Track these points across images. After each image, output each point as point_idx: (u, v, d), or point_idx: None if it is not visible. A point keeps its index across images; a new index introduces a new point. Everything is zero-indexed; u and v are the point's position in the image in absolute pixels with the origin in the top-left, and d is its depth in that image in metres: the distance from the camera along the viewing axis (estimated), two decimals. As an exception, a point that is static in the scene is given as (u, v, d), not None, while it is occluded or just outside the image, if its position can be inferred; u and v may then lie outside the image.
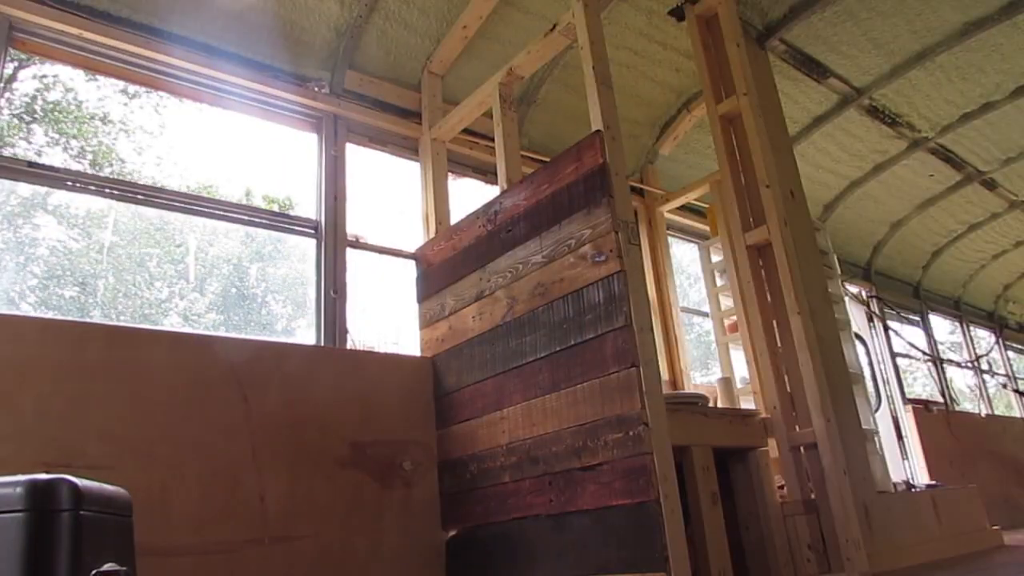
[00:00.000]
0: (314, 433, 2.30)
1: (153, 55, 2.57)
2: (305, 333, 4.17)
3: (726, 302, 3.90)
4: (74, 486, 1.15)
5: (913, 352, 6.02)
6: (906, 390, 5.51)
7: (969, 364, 6.78)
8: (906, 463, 5.04)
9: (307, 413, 2.31)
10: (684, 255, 4.64)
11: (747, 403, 3.50)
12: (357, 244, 2.84)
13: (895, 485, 3.66)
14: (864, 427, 3.18)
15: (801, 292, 2.80)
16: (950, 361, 6.51)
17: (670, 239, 4.28)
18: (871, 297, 5.76)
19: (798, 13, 3.57)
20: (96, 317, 3.65)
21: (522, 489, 2.08)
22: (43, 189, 2.38)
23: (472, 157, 3.38)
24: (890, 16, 3.74)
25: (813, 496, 2.66)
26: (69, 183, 2.34)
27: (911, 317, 6.24)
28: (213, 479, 2.12)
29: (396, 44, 3.09)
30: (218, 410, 2.22)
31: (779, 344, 2.87)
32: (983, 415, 6.29)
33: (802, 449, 2.73)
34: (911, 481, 4.55)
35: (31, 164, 2.26)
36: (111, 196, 2.42)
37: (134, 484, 1.61)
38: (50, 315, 3.17)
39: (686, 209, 4.40)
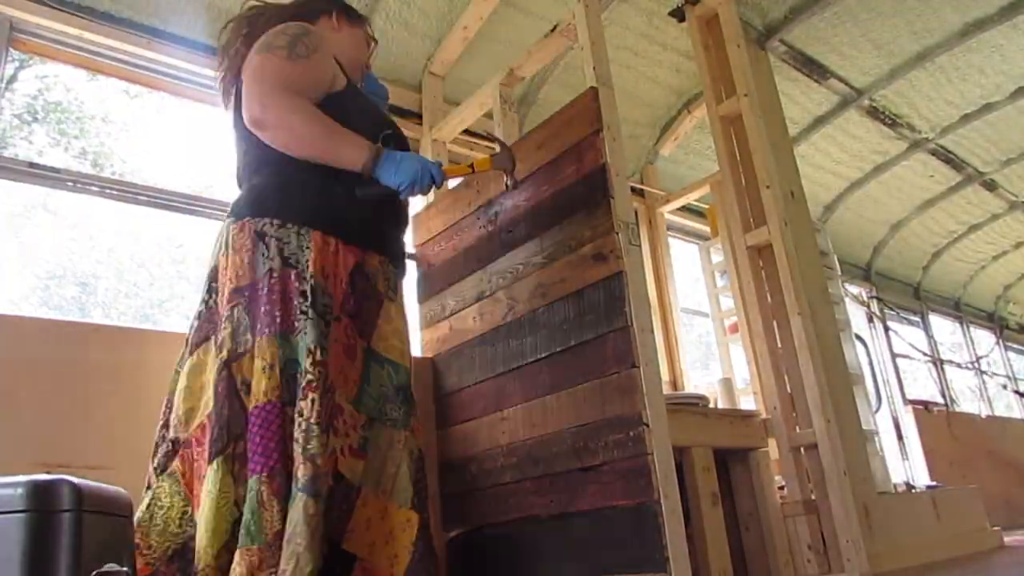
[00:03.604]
0: (314, 433, 2.29)
1: (155, 56, 2.57)
2: (305, 333, 4.15)
3: (726, 303, 3.91)
4: (74, 486, 1.15)
5: (913, 353, 6.02)
6: (906, 391, 5.52)
7: (969, 365, 6.78)
8: (906, 464, 5.05)
9: (307, 413, 2.30)
10: (684, 255, 4.64)
11: (747, 404, 3.50)
12: (357, 244, 2.83)
13: (895, 486, 3.66)
14: (864, 428, 3.18)
15: (801, 293, 2.80)
16: (950, 362, 6.50)
17: (670, 240, 4.28)
18: (871, 298, 5.76)
19: (798, 14, 3.57)
20: (96, 317, 3.65)
21: (522, 490, 2.08)
22: (44, 189, 2.38)
23: (472, 158, 3.38)
24: (890, 17, 3.74)
25: (813, 497, 2.66)
26: (70, 184, 2.34)
27: (911, 318, 6.24)
28: (213, 479, 2.11)
29: (397, 45, 3.09)
30: (218, 410, 2.22)
31: (779, 345, 2.87)
32: (983, 416, 6.29)
33: (802, 450, 2.73)
34: (911, 482, 4.55)
35: (32, 165, 2.26)
36: (112, 196, 2.42)
37: (134, 484, 1.61)
38: (50, 315, 3.17)
39: (686, 210, 4.39)
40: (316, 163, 1.57)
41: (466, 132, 3.16)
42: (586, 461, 1.90)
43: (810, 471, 2.69)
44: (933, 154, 4.92)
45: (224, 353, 1.47)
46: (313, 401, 1.40)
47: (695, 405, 2.73)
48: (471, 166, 1.87)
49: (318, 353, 1.43)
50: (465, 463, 2.31)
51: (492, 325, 2.28)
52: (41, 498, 1.12)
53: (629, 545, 1.76)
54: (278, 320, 1.46)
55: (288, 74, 1.56)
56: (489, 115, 2.81)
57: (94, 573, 1.14)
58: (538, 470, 2.04)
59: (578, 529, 1.90)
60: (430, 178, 1.60)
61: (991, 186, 5.46)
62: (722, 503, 2.45)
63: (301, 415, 1.39)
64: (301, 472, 1.35)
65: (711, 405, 3.12)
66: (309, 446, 1.36)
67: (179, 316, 3.89)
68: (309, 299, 1.48)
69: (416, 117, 3.16)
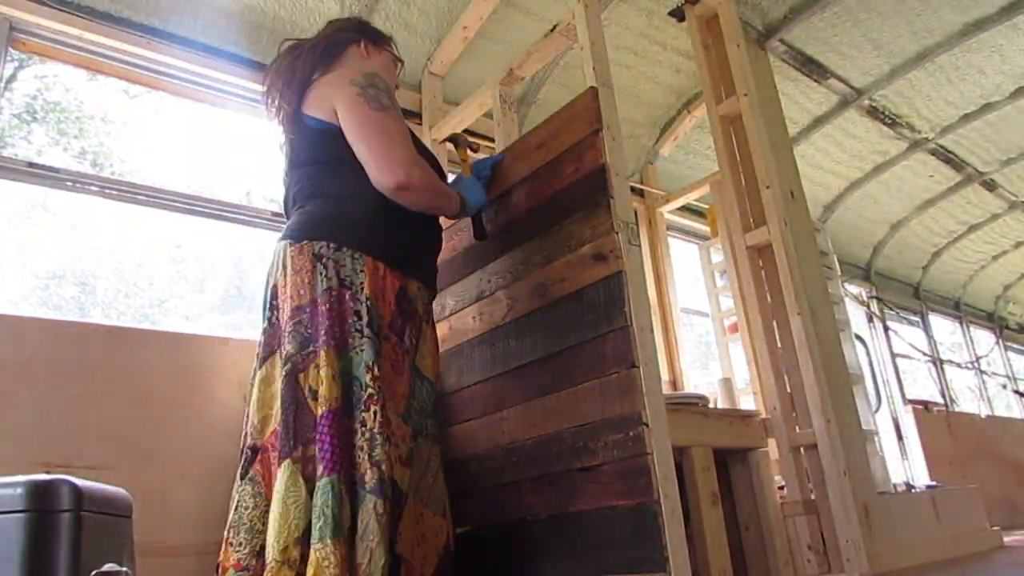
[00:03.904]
0: (314, 433, 2.29)
1: (154, 55, 2.57)
2: (305, 333, 4.14)
3: (726, 303, 3.90)
4: (74, 486, 1.15)
5: (913, 353, 6.02)
6: (906, 391, 5.52)
7: (969, 365, 6.78)
8: (906, 464, 5.05)
9: (307, 413, 2.30)
10: (684, 255, 4.64)
11: (747, 404, 3.50)
12: (357, 244, 2.84)
13: (895, 486, 3.66)
14: (864, 428, 3.18)
15: (801, 293, 2.80)
16: (950, 362, 6.50)
17: (670, 239, 4.28)
18: (871, 298, 5.76)
19: (798, 14, 3.57)
20: (96, 317, 3.65)
21: (522, 490, 2.08)
22: (44, 189, 2.38)
23: (472, 158, 3.37)
24: (890, 17, 3.74)
25: (813, 497, 2.66)
26: (70, 183, 2.34)
27: (911, 318, 6.24)
28: (213, 479, 2.12)
29: (396, 45, 3.09)
30: (218, 410, 2.22)
31: (779, 345, 2.87)
32: (983, 416, 6.29)
33: (802, 450, 2.73)
34: (911, 482, 4.55)
35: (31, 164, 2.26)
36: (112, 196, 2.42)
37: (134, 484, 1.61)
38: (50, 315, 3.17)
39: (686, 210, 4.40)
40: (368, 194, 1.70)
41: (465, 132, 3.16)
42: (586, 461, 1.90)
43: (810, 471, 2.69)
44: (933, 154, 4.92)
45: (289, 365, 1.59)
46: (375, 413, 1.54)
47: (695, 405, 2.73)
48: (464, 161, 2.31)
49: (376, 369, 1.57)
50: (465, 463, 2.31)
51: (492, 325, 2.28)
52: (41, 498, 1.12)
53: (629, 545, 1.76)
54: (337, 335, 1.59)
55: (408, 135, 1.75)
56: (489, 115, 2.81)
57: (94, 573, 1.14)
58: (538, 470, 2.04)
59: (578, 529, 1.90)
60: (482, 183, 2.06)
61: (991, 186, 5.46)
62: (722, 503, 2.45)
63: (364, 425, 1.53)
64: (369, 476, 1.49)
65: (711, 405, 3.12)
66: (374, 453, 1.50)
67: (178, 316, 3.89)
68: (365, 319, 1.61)
69: (416, 117, 3.16)
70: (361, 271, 1.65)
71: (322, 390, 1.54)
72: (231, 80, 2.74)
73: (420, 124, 3.14)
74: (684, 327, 4.13)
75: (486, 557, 2.21)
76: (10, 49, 2.36)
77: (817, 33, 3.76)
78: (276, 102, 1.86)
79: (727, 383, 3.52)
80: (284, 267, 1.69)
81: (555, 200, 2.15)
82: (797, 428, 2.76)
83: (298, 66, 1.85)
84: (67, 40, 2.44)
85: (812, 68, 3.97)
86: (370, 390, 1.55)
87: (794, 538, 2.64)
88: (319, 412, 1.53)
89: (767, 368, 2.85)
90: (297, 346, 1.60)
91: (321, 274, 1.63)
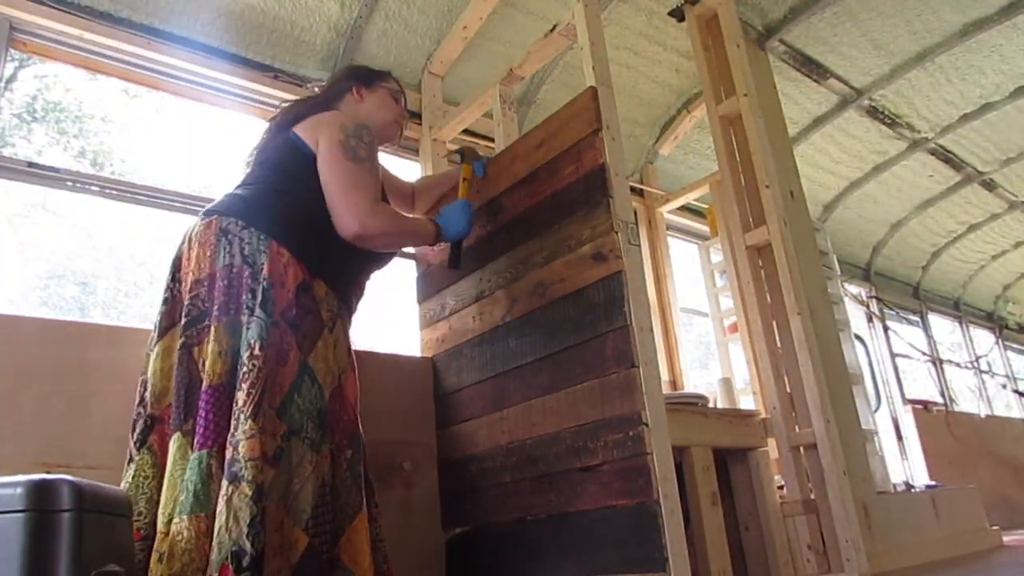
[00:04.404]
0: (314, 433, 2.29)
1: (154, 56, 2.57)
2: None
3: (726, 302, 3.91)
4: (74, 486, 1.15)
5: (913, 352, 6.02)
6: (905, 390, 5.52)
7: (969, 365, 6.78)
8: (906, 463, 5.05)
9: (307, 413, 2.30)
10: (684, 255, 4.64)
11: (747, 403, 3.50)
12: (357, 244, 2.84)
13: (895, 486, 3.67)
14: (864, 427, 3.18)
15: (801, 293, 2.80)
16: (950, 361, 6.51)
17: (670, 239, 4.28)
18: (871, 298, 5.76)
19: (798, 14, 3.57)
20: (96, 317, 3.65)
21: (522, 489, 2.08)
22: (43, 189, 2.38)
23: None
24: (890, 17, 3.74)
25: (813, 496, 2.67)
26: (70, 183, 2.34)
27: (911, 318, 6.24)
28: (213, 479, 2.11)
29: (397, 44, 3.09)
30: (218, 410, 2.21)
31: (779, 345, 2.87)
32: (983, 416, 6.29)
33: (802, 449, 2.73)
34: (911, 481, 4.55)
35: (31, 164, 2.26)
36: (112, 196, 2.42)
37: (134, 484, 1.61)
38: (50, 315, 3.17)
39: (686, 209, 4.40)
40: (304, 201, 1.77)
41: (466, 132, 3.16)
42: (585, 461, 1.91)
43: (810, 471, 2.69)
44: (933, 154, 4.92)
45: (184, 338, 1.63)
46: (243, 391, 1.52)
47: (695, 405, 2.73)
48: (465, 179, 2.33)
49: (256, 347, 1.55)
50: (465, 463, 2.31)
51: (492, 325, 2.28)
52: (41, 498, 1.11)
53: (629, 545, 1.76)
54: (232, 311, 1.61)
55: (375, 184, 1.84)
56: (489, 115, 2.81)
57: (94, 573, 1.14)
58: (537, 470, 2.04)
59: (578, 529, 1.90)
60: (470, 211, 2.10)
61: (990, 186, 5.46)
62: (722, 503, 2.45)
63: (237, 404, 1.52)
64: (228, 455, 1.48)
65: (711, 405, 3.12)
66: (236, 433, 1.49)
67: (179, 316, 3.89)
68: (259, 299, 1.61)
69: (416, 117, 3.16)
70: (263, 252, 1.65)
71: (207, 364, 1.56)
72: (231, 80, 2.74)
73: (420, 124, 3.14)
74: (684, 327, 4.13)
75: (486, 557, 2.21)
76: (10, 49, 2.36)
77: (817, 33, 3.76)
78: (275, 119, 2.03)
79: (727, 383, 3.52)
80: (190, 240, 1.74)
81: (555, 200, 2.15)
82: (797, 428, 2.76)
83: (303, 106, 2.03)
84: (67, 40, 2.44)
85: (812, 68, 3.97)
86: (244, 368, 1.53)
87: (794, 538, 2.64)
88: (204, 385, 1.55)
89: (767, 368, 2.85)
90: (193, 320, 1.64)
91: (224, 249, 1.66)
